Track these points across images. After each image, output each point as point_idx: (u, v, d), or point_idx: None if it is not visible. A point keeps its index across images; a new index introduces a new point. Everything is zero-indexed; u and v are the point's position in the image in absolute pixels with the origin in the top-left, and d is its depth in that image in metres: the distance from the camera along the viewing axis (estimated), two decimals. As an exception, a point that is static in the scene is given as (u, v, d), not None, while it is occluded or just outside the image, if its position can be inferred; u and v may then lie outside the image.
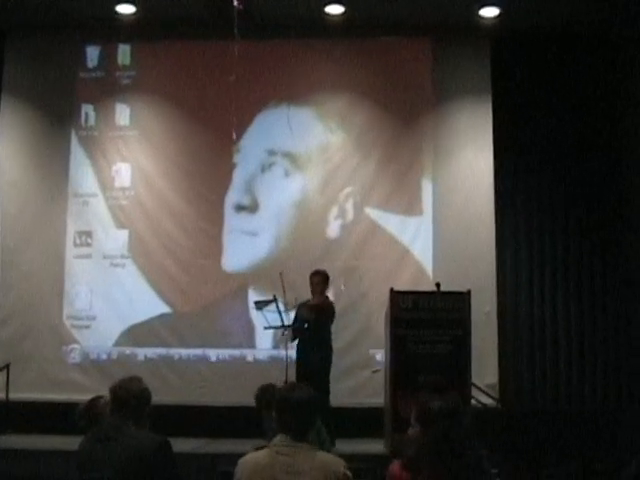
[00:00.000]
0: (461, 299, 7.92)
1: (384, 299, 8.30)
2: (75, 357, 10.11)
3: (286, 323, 8.50)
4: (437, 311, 7.86)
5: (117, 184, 10.43)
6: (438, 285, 8.16)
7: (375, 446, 8.15)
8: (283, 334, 8.62)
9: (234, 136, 9.31)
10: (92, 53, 10.68)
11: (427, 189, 10.29)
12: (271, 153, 10.40)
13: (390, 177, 10.32)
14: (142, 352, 10.08)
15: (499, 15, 9.77)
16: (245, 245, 10.28)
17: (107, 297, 10.23)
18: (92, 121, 10.57)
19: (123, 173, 10.45)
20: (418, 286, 9.29)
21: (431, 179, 10.30)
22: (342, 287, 9.99)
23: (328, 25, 9.93)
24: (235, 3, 8.59)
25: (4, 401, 9.55)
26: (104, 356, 10.10)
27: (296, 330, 8.55)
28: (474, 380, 8.23)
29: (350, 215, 10.29)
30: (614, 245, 10.01)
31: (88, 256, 10.31)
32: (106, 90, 10.62)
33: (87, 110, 10.57)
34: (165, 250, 10.27)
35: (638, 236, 9.64)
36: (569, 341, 9.94)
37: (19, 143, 10.57)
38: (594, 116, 10.21)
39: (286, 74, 10.41)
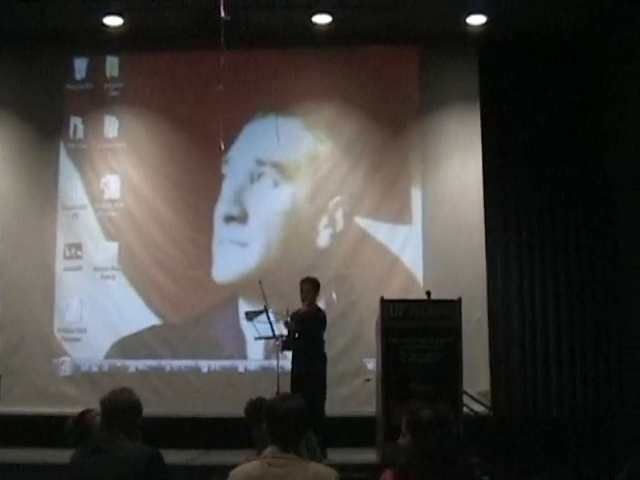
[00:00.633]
0: (452, 307, 7.90)
1: (375, 307, 8.26)
2: (66, 369, 10.08)
3: (277, 333, 8.49)
4: (428, 319, 7.84)
5: (106, 196, 10.42)
6: (428, 293, 8.19)
7: (367, 455, 8.14)
8: (275, 344, 8.62)
9: (222, 147, 9.30)
10: (80, 65, 10.68)
11: (416, 197, 10.30)
12: (260, 163, 10.41)
13: (379, 186, 10.34)
14: (133, 364, 10.05)
15: (486, 23, 9.80)
16: (235, 255, 10.26)
17: (97, 309, 10.21)
18: (81, 133, 10.56)
19: (112, 185, 10.44)
20: (409, 294, 9.33)
21: (420, 187, 10.32)
22: (333, 295, 10.00)
23: (315, 35, 9.95)
24: (222, 14, 8.59)
25: (-5, 414, 9.50)
26: (95, 368, 10.07)
27: (285, 342, 8.53)
28: (465, 388, 8.20)
29: (340, 224, 10.30)
30: (604, 252, 10.02)
31: (78, 268, 10.29)
32: (94, 102, 10.62)
33: (75, 122, 10.57)
34: (155, 262, 10.26)
35: (628, 242, 9.67)
36: (560, 348, 9.95)
37: (8, 155, 10.54)
38: (582, 122, 10.26)
39: (274, 84, 10.41)
